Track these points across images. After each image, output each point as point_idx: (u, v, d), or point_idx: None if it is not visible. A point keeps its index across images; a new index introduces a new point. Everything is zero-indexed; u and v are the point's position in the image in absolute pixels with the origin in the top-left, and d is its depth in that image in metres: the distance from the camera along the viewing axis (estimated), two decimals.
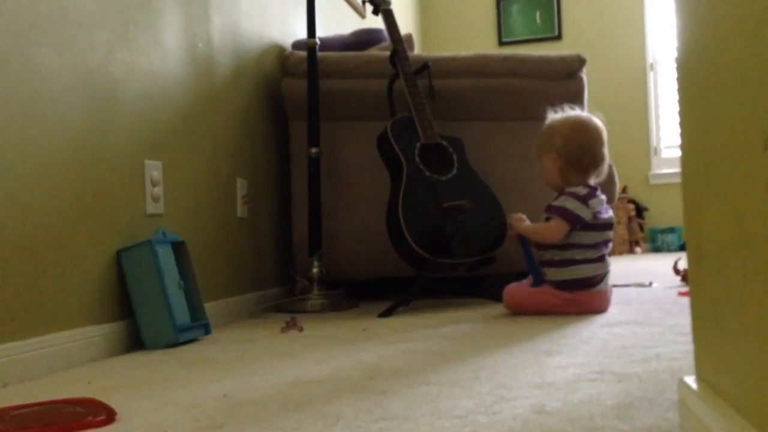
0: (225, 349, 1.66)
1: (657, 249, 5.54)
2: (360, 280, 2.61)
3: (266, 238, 2.58)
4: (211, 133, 2.19)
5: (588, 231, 1.97)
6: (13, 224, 1.37)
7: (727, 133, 0.63)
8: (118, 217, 1.71)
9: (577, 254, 1.96)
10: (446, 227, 2.15)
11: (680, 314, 1.80)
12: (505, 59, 2.64)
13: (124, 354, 1.64)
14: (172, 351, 1.65)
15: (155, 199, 1.85)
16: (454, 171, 2.27)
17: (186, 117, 2.04)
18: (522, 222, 2.04)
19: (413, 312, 2.16)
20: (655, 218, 5.63)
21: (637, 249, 5.44)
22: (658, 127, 5.76)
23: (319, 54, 2.55)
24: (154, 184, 1.85)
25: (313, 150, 2.48)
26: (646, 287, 2.62)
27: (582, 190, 1.99)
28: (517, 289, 2.03)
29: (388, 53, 2.45)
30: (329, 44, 2.79)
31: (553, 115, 2.08)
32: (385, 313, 2.12)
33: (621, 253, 5.27)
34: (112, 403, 1.04)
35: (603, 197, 2.02)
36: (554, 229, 1.96)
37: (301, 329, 1.89)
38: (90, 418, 0.99)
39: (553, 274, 1.98)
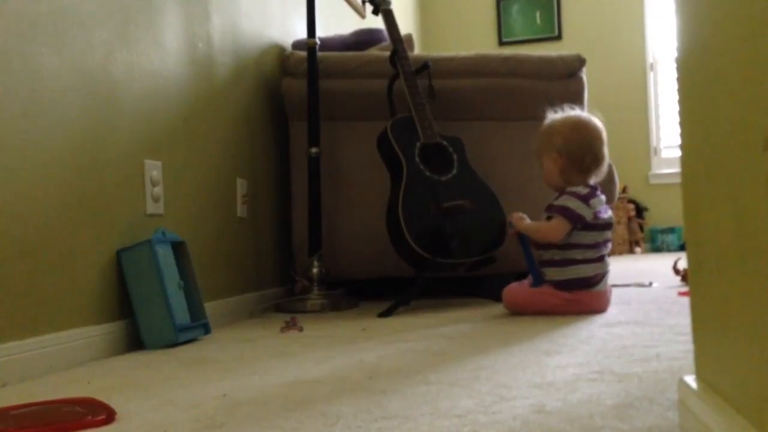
0: (225, 348, 1.66)
1: (657, 249, 5.54)
2: (360, 280, 2.61)
3: (266, 238, 2.58)
4: (211, 133, 2.19)
5: (588, 231, 1.97)
6: (13, 224, 1.37)
7: (726, 133, 0.63)
8: (118, 217, 1.71)
9: (577, 254, 1.96)
10: (446, 227, 2.15)
11: (680, 314, 1.80)
12: (505, 59, 2.64)
13: (124, 354, 1.64)
14: (171, 351, 1.65)
15: (155, 199, 1.85)
16: (454, 171, 2.27)
17: (186, 117, 2.04)
18: (522, 221, 2.04)
19: (413, 312, 2.16)
20: (655, 218, 5.63)
21: (637, 249, 5.45)
22: (658, 127, 5.76)
23: (319, 54, 2.55)
24: (154, 184, 1.85)
25: (313, 150, 2.48)
26: (646, 287, 2.62)
27: (583, 190, 1.99)
28: (517, 289, 2.03)
29: (388, 53, 2.45)
30: (329, 44, 2.79)
31: (553, 115, 2.08)
32: (385, 313, 2.12)
33: (621, 253, 5.27)
34: (112, 403, 1.04)
35: (603, 197, 2.02)
36: (556, 228, 1.96)
37: (300, 329, 1.89)
38: (90, 417, 0.99)
39: (553, 274, 1.98)
